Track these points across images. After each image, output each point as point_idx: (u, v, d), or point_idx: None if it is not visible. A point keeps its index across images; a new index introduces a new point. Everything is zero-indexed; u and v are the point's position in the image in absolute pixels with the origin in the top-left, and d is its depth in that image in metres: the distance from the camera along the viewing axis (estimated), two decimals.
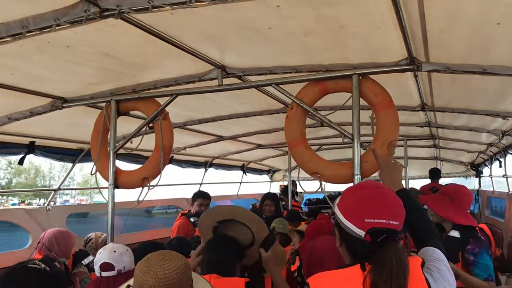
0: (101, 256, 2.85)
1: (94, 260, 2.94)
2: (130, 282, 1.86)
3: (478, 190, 9.73)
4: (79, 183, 58.89)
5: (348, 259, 1.66)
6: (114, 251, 2.83)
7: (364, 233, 1.52)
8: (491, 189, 8.64)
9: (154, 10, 2.19)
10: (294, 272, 3.76)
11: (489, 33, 2.39)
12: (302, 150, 3.21)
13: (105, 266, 2.76)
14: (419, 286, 1.49)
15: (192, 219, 5.62)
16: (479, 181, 10.00)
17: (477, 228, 3.24)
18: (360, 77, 3.02)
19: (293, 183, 9.63)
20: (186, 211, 5.86)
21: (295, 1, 2.12)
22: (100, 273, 2.81)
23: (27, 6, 2.17)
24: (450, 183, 3.56)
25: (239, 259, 2.72)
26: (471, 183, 10.37)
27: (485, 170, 9.49)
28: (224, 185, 10.66)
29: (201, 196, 5.80)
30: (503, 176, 7.46)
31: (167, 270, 1.66)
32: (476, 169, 9.98)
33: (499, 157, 7.51)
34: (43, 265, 2.08)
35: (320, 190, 3.28)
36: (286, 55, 3.12)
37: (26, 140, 4.75)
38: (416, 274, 1.51)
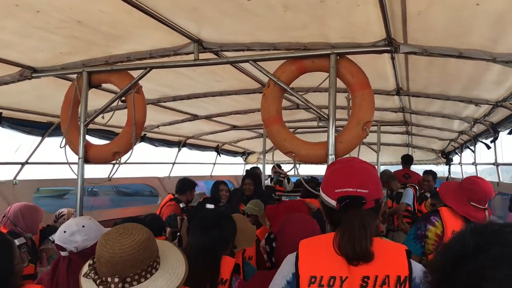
0: (55, 236, 2.76)
1: None
2: None
3: (447, 177, 9.97)
4: None
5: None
6: (65, 231, 2.69)
7: (335, 202, 1.64)
8: (461, 177, 8.85)
9: None
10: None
11: (468, 15, 2.39)
12: (277, 129, 3.18)
13: (58, 247, 2.70)
14: (400, 266, 1.53)
15: (181, 205, 5.60)
16: (449, 168, 10.26)
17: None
18: (338, 57, 3.00)
19: (278, 167, 9.50)
20: (173, 196, 5.74)
21: None
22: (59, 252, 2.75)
23: None
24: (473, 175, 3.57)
25: (226, 248, 2.57)
26: (442, 171, 10.60)
27: (455, 158, 9.72)
28: (198, 165, 10.60)
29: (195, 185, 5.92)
30: (472, 164, 7.64)
31: (124, 245, 1.60)
32: (446, 156, 10.25)
33: (469, 145, 7.67)
34: None
35: (294, 171, 3.28)
36: (264, 31, 3.06)
37: None
38: (399, 255, 1.56)
